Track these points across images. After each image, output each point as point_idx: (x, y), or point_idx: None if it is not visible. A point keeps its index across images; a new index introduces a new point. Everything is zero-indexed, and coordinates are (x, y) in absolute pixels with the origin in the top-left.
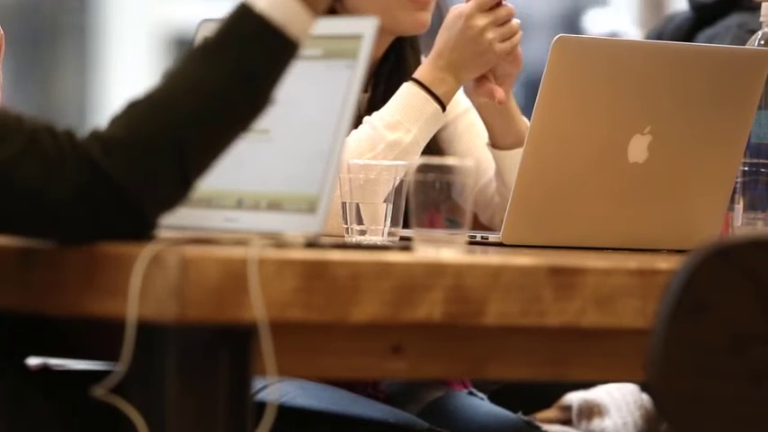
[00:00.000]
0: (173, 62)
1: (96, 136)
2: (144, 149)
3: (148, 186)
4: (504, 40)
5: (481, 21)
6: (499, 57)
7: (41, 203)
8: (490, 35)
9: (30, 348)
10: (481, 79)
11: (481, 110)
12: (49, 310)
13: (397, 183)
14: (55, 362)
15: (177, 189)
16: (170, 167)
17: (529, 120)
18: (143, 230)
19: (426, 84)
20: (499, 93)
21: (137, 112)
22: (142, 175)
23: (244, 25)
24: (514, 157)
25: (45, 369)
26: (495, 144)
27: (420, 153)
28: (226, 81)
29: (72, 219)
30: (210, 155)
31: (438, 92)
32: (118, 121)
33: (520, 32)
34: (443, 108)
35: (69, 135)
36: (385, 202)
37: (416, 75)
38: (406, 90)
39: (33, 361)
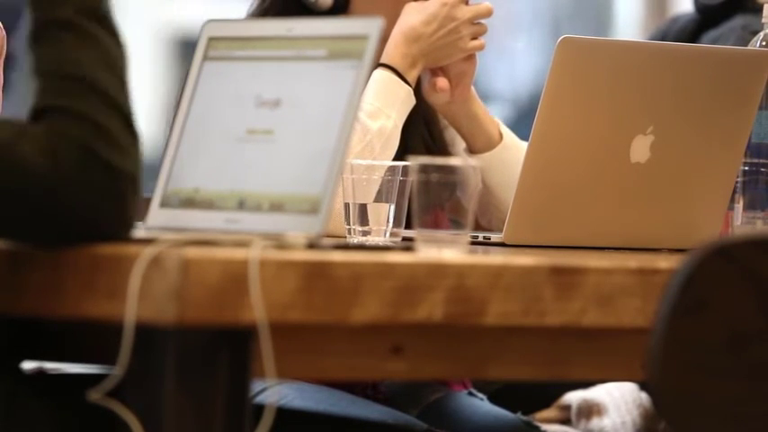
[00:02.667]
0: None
1: (51, 127)
2: (88, 117)
3: (119, 148)
4: (473, 38)
5: (463, 13)
6: (464, 53)
7: (38, 186)
8: (465, 30)
9: (25, 352)
10: (432, 74)
11: (445, 114)
12: (46, 313)
13: (399, 183)
14: (51, 365)
15: (132, 136)
16: (116, 117)
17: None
18: (135, 195)
19: (399, 69)
20: (440, 81)
21: (50, 103)
22: (111, 140)
23: None
24: (487, 159)
25: (41, 373)
26: (468, 148)
27: (399, 137)
28: (79, 25)
29: (69, 203)
30: (127, 89)
31: (409, 77)
32: (49, 117)
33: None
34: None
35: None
36: (388, 202)
37: (387, 60)
38: (380, 77)
39: (29, 365)
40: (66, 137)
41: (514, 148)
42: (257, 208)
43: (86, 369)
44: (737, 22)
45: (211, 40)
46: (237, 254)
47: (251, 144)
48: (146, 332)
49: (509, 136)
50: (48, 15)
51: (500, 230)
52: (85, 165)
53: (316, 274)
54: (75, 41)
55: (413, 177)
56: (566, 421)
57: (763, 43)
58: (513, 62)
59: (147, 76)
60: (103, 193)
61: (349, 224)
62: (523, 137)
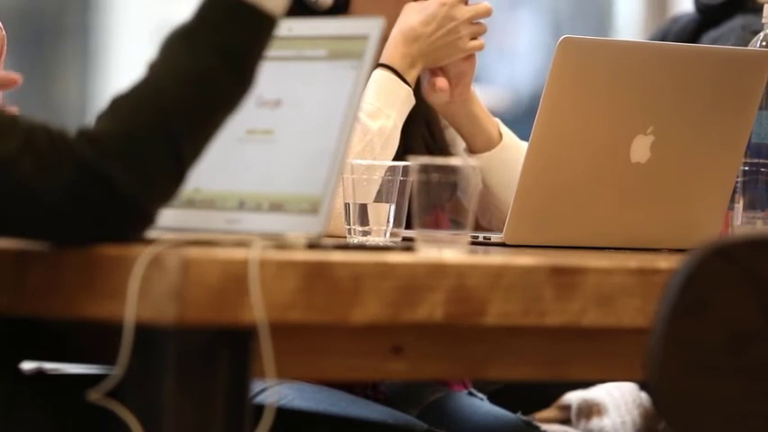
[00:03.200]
0: (154, 52)
1: (86, 134)
2: (135, 143)
3: (143, 181)
4: (473, 37)
5: (461, 13)
6: (463, 53)
7: (37, 204)
8: (464, 30)
9: (25, 352)
10: (432, 74)
11: (444, 114)
12: (46, 313)
13: (399, 183)
14: (50, 366)
15: (172, 179)
16: (163, 159)
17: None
18: (142, 226)
19: (399, 69)
20: (440, 81)
21: (123, 106)
22: (136, 170)
23: (219, 6)
24: (487, 159)
25: (40, 373)
26: (468, 148)
27: (399, 138)
28: (208, 63)
29: (68, 219)
30: (202, 140)
31: (408, 77)
32: (105, 117)
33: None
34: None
35: (63, 135)
36: (388, 202)
37: (387, 60)
38: (380, 77)
39: (29, 365)
40: (71, 151)
41: (514, 148)
42: (257, 208)
43: (86, 369)
44: (738, 22)
45: None
46: (237, 254)
47: (251, 144)
48: (146, 332)
49: (509, 136)
50: (194, 30)
51: (500, 230)
52: (83, 183)
53: (316, 274)
54: (189, 73)
55: (413, 177)
56: (566, 421)
57: (764, 43)
58: (513, 62)
59: None
60: (100, 215)
61: (349, 224)
62: (523, 137)
